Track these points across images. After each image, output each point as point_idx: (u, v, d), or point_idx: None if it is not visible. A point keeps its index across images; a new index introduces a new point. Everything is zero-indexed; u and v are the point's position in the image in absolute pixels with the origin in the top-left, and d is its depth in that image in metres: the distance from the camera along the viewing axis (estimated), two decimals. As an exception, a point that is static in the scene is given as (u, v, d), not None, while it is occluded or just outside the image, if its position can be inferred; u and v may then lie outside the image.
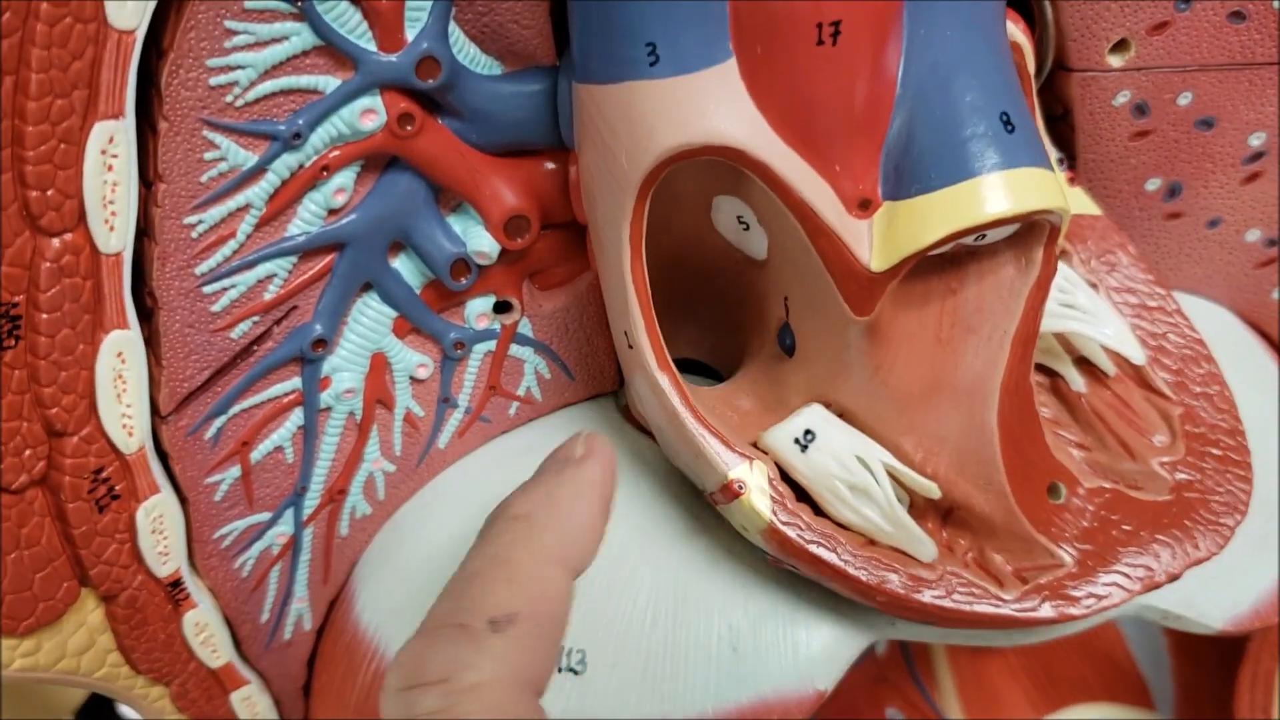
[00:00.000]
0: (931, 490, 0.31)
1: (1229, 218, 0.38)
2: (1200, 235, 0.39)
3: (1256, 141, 0.37)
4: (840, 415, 0.32)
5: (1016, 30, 0.32)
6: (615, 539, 0.34)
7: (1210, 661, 0.56)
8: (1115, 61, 0.35)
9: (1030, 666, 0.60)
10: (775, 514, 0.30)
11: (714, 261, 0.35)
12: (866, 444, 0.31)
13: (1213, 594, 0.35)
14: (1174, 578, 0.31)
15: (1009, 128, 0.27)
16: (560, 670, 0.32)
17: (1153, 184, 0.37)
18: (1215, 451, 0.33)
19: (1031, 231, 0.29)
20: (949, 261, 0.30)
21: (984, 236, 0.29)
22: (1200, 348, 0.34)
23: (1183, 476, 0.33)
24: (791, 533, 0.30)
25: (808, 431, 0.31)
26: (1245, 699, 0.52)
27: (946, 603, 0.31)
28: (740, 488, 0.30)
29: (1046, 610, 0.31)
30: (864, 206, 0.28)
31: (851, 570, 0.31)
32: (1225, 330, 0.40)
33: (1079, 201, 0.35)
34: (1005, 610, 0.31)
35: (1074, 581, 0.31)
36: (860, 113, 0.28)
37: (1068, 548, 0.31)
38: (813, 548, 0.30)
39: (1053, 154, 0.35)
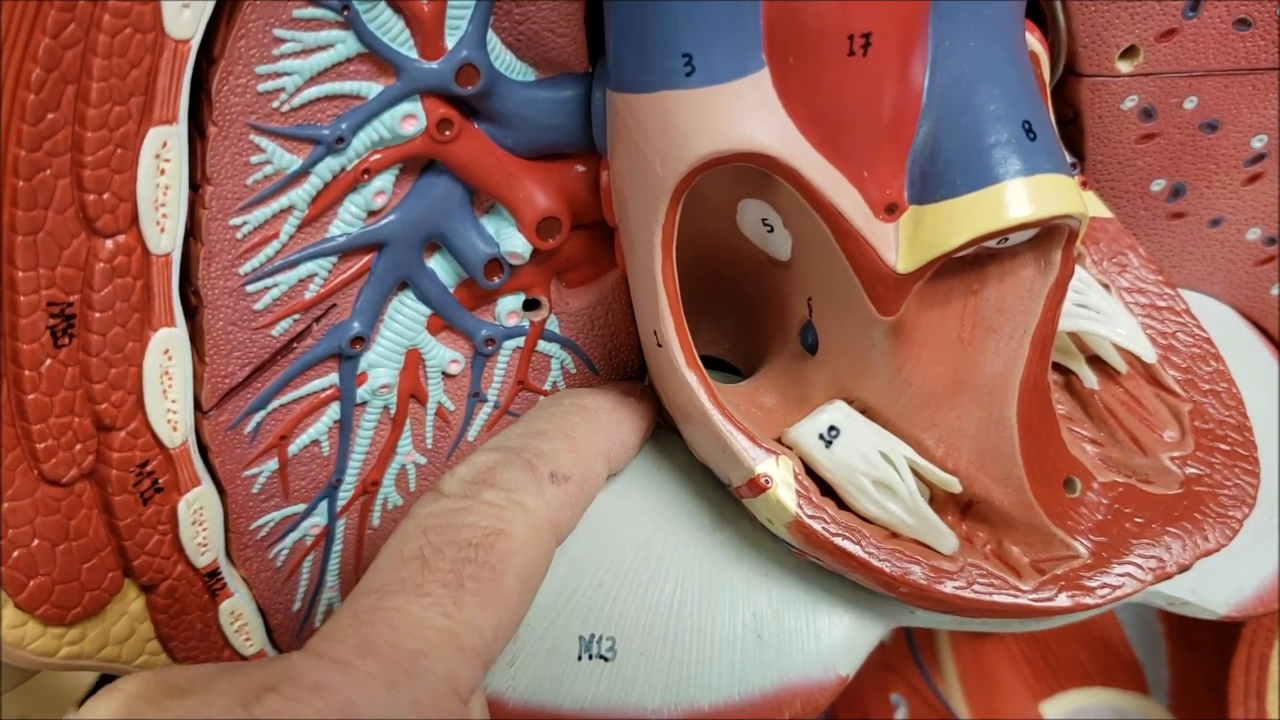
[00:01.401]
0: (953, 485, 0.32)
1: (1230, 217, 0.40)
2: (1203, 234, 0.40)
3: (1258, 144, 0.38)
4: (863, 412, 0.33)
5: (1033, 39, 0.33)
6: (642, 530, 0.35)
7: (1205, 646, 0.57)
8: (1124, 67, 0.36)
9: (1029, 653, 0.62)
10: (801, 507, 0.32)
11: (737, 262, 0.36)
12: (890, 440, 0.32)
13: (1216, 581, 0.36)
14: (1184, 568, 0.33)
15: (1031, 136, 0.28)
16: (591, 657, 0.34)
17: (1157, 185, 0.38)
18: (1224, 446, 0.34)
19: (1051, 235, 0.30)
20: (971, 264, 0.31)
21: (1006, 240, 0.30)
22: (1209, 346, 0.35)
23: (1192, 471, 0.34)
24: (817, 525, 0.32)
25: (832, 428, 0.32)
26: (1239, 683, 0.54)
27: (967, 593, 0.32)
28: (767, 482, 0.31)
29: (1063, 600, 0.32)
30: (890, 210, 0.29)
31: (876, 562, 0.32)
32: (1225, 326, 0.41)
33: (1092, 205, 0.36)
34: (1023, 600, 0.32)
35: (1089, 572, 0.32)
36: (888, 121, 0.29)
37: (1083, 540, 0.33)
38: (838, 540, 0.32)
39: (1066, 158, 0.36)
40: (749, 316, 0.37)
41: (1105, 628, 0.61)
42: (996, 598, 0.32)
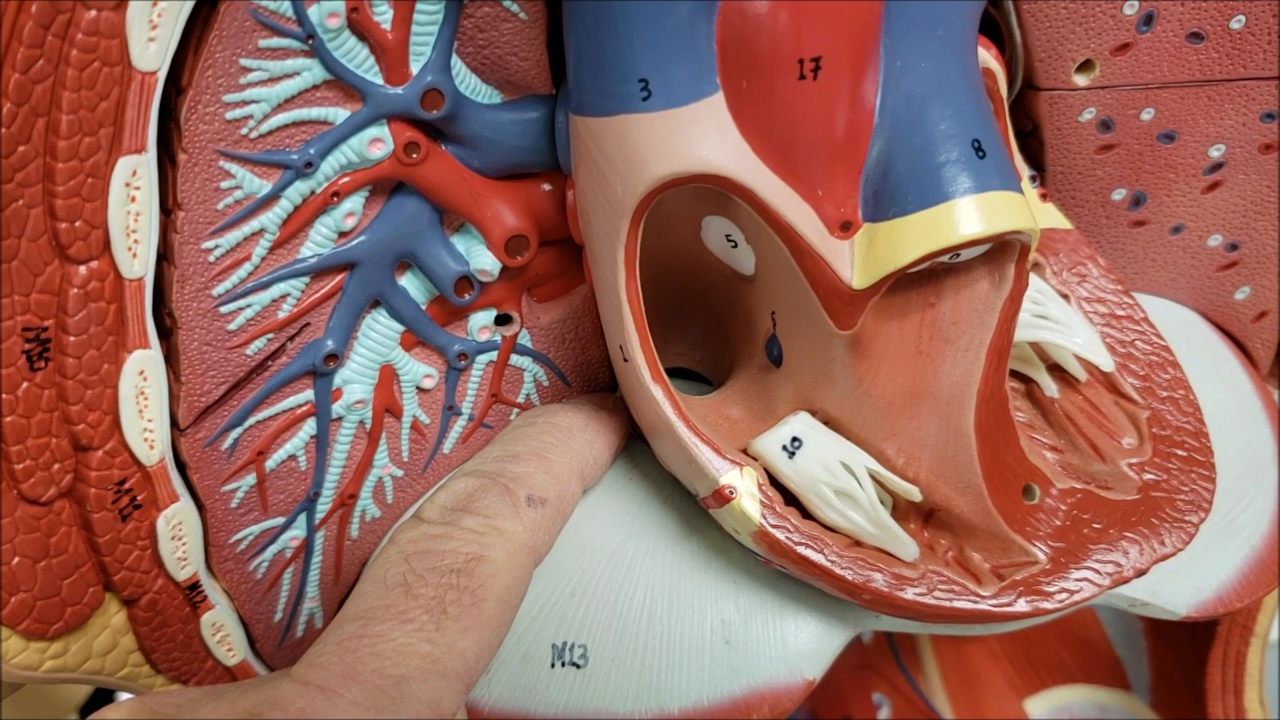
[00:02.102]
0: (913, 493, 0.33)
1: (1191, 224, 0.40)
2: (1164, 241, 0.41)
3: (1216, 153, 0.39)
4: (826, 423, 0.34)
5: (988, 56, 0.34)
6: (612, 540, 0.36)
7: (1183, 644, 0.58)
8: (1081, 80, 0.37)
9: (1011, 651, 0.62)
10: (765, 517, 0.32)
11: (704, 276, 0.36)
12: (851, 450, 0.33)
13: (1177, 582, 0.37)
14: (1141, 573, 0.33)
15: (980, 154, 0.29)
16: (563, 664, 0.34)
17: (1118, 194, 0.39)
18: (1180, 453, 0.35)
19: (1003, 250, 0.31)
20: (927, 277, 0.32)
21: (958, 255, 0.30)
22: (1166, 354, 0.36)
23: (1150, 477, 0.35)
24: (780, 535, 0.32)
25: (795, 439, 0.33)
26: (1216, 680, 0.55)
27: (928, 599, 0.32)
28: (731, 493, 0.32)
29: (1021, 605, 0.33)
30: (845, 228, 0.30)
31: (838, 570, 0.32)
32: (1189, 330, 0.42)
33: (1051, 217, 0.37)
34: (983, 605, 0.33)
35: (1047, 577, 0.33)
36: (840, 141, 0.29)
37: (1042, 545, 0.33)
38: (801, 549, 0.32)
39: (1025, 171, 0.37)
40: (717, 329, 0.38)
41: (1086, 626, 0.62)
42: (957, 603, 0.32)
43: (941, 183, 0.29)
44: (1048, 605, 0.33)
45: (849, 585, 0.32)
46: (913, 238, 0.29)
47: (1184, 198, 0.40)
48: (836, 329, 0.31)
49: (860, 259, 0.30)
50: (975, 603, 0.33)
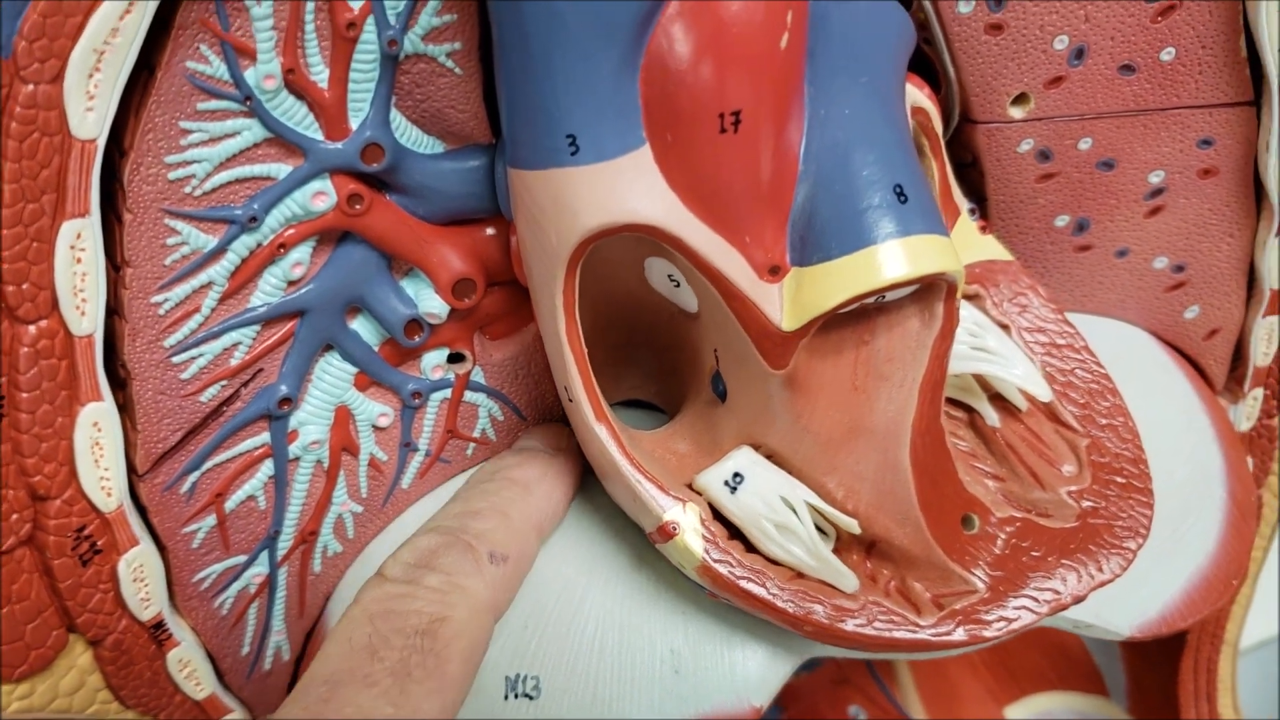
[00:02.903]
0: (852, 526, 0.34)
1: (1136, 248, 0.41)
2: (1110, 264, 0.41)
3: (1156, 179, 0.39)
4: (769, 457, 0.35)
5: (921, 95, 0.35)
6: (565, 573, 0.36)
7: (1155, 652, 0.59)
8: (1017, 113, 0.37)
9: (989, 660, 0.63)
10: (707, 552, 0.33)
11: (652, 313, 0.37)
12: (791, 485, 0.34)
13: (1119, 603, 0.37)
14: (1079, 599, 0.34)
15: (902, 199, 0.30)
16: (516, 695, 0.35)
17: (1061, 220, 0.40)
18: (1119, 479, 0.36)
19: (931, 290, 0.32)
20: (860, 316, 0.32)
21: (884, 297, 0.31)
22: (1106, 382, 0.37)
23: (1088, 504, 0.35)
24: (723, 569, 0.33)
25: (736, 474, 0.34)
26: (1189, 687, 0.55)
27: (868, 630, 0.33)
28: (674, 529, 0.33)
29: (960, 634, 0.33)
30: (774, 272, 0.31)
31: (779, 603, 0.33)
32: (1139, 350, 0.43)
33: (991, 248, 0.38)
34: (922, 635, 0.33)
35: (986, 606, 0.34)
36: (766, 189, 0.30)
37: (981, 575, 0.34)
38: (743, 583, 0.33)
39: (964, 205, 0.38)
40: (668, 363, 0.39)
41: (1063, 635, 0.63)
42: (896, 634, 0.33)
43: (864, 228, 0.30)
44: (986, 634, 0.33)
45: (791, 618, 0.33)
46: (837, 282, 0.30)
47: (1127, 222, 0.40)
48: (770, 369, 0.32)
49: (789, 302, 0.31)
50: (914, 632, 0.33)
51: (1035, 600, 0.34)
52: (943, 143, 0.36)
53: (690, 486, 0.35)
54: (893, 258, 0.30)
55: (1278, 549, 0.56)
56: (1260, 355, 0.44)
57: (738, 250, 0.31)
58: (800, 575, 0.34)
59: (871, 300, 0.31)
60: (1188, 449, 0.41)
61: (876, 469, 0.33)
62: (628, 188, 0.30)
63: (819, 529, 0.35)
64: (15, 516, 0.31)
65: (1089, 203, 0.40)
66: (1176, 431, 0.41)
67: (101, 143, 0.28)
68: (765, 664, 0.36)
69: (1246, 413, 0.46)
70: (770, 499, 0.33)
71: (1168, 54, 0.37)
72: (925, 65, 0.37)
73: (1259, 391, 0.45)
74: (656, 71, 0.29)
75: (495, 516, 0.34)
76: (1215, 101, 0.38)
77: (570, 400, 0.34)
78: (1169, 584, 0.38)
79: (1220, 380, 0.45)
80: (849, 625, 0.33)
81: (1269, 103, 0.37)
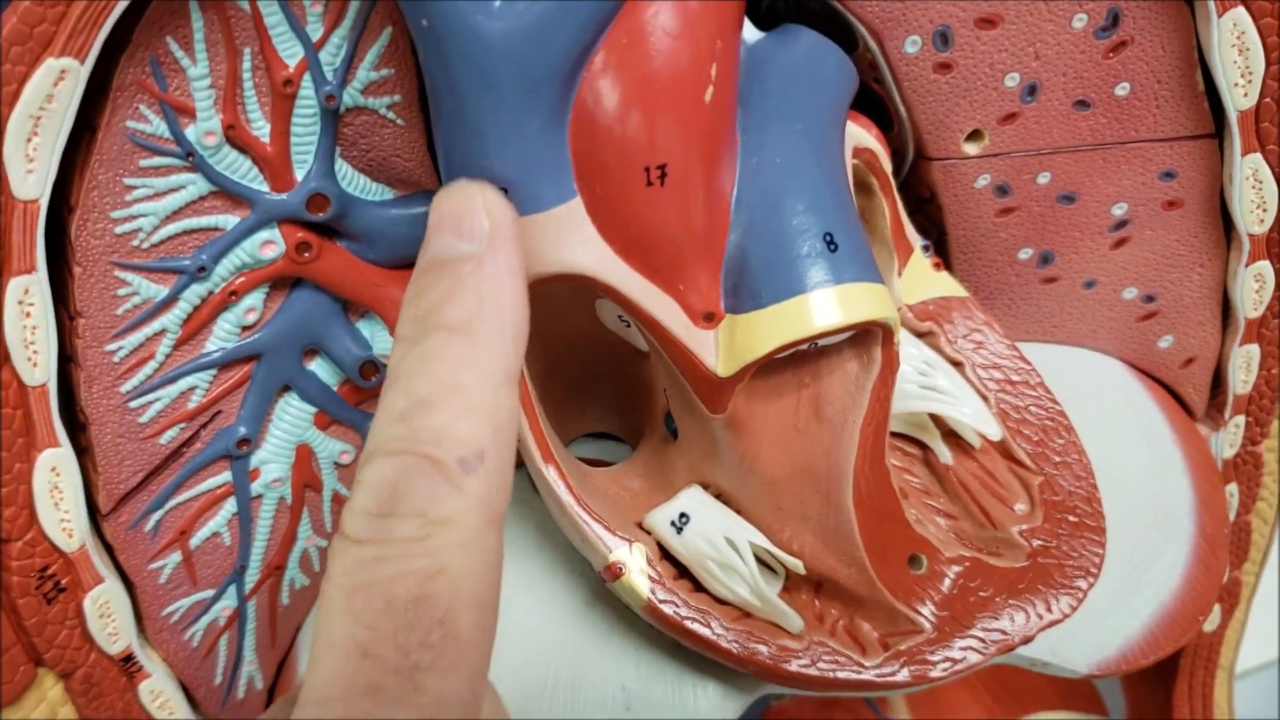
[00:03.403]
0: (797, 567, 0.34)
1: (1103, 279, 0.41)
2: (1078, 295, 0.41)
3: (1119, 211, 0.39)
4: (719, 496, 0.35)
5: (867, 135, 0.35)
6: (520, 609, 0.37)
7: (1150, 674, 0.58)
8: (971, 149, 0.37)
9: (988, 680, 0.63)
10: (653, 592, 0.34)
11: (609, 349, 0.37)
12: (736, 525, 0.34)
13: (1077, 641, 0.37)
14: (1028, 639, 0.34)
15: (832, 247, 0.30)
16: None
17: (1025, 253, 0.40)
18: (1071, 518, 0.36)
19: (868, 335, 0.32)
20: (801, 359, 0.33)
21: (816, 344, 0.31)
22: (1061, 419, 0.37)
23: (1039, 543, 0.35)
24: (668, 609, 0.34)
25: (683, 514, 0.34)
26: (1184, 711, 0.55)
27: (812, 671, 0.34)
28: (621, 569, 0.34)
29: (904, 675, 0.33)
30: (709, 319, 0.31)
31: (724, 644, 0.34)
32: (1109, 381, 0.42)
33: (945, 285, 0.38)
34: (866, 676, 0.34)
35: (931, 647, 0.34)
36: (698, 238, 0.30)
37: (928, 614, 0.34)
38: (688, 623, 0.34)
39: (918, 241, 0.38)
40: (627, 397, 0.39)
41: (1061, 653, 0.62)
42: (840, 674, 0.33)
43: (793, 277, 0.30)
44: (931, 674, 0.33)
45: (735, 657, 0.34)
46: (769, 329, 0.30)
47: (1092, 254, 0.40)
48: (708, 413, 0.32)
49: (724, 348, 0.31)
50: (858, 673, 0.33)
51: (982, 641, 0.34)
52: (892, 181, 0.36)
53: (640, 525, 0.35)
54: (824, 306, 0.30)
55: (1278, 573, 0.56)
56: (1239, 383, 0.43)
57: (672, 297, 0.31)
58: (747, 615, 0.34)
59: (806, 346, 0.31)
60: (1154, 482, 0.40)
61: (820, 510, 0.33)
62: (561, 238, 0.30)
63: (769, 567, 0.35)
64: (-23, 559, 0.32)
65: (1052, 235, 0.39)
66: (1143, 464, 0.41)
67: (44, 202, 0.29)
68: (717, 702, 0.36)
69: (1229, 440, 0.45)
70: (714, 539, 0.34)
71: (1122, 89, 0.36)
72: (878, 103, 0.37)
73: (1240, 419, 0.45)
74: (583, 126, 0.29)
75: (450, 399, 0.26)
76: (1175, 135, 0.37)
77: (519, 441, 0.34)
78: (1129, 621, 0.38)
79: (1200, 408, 0.45)
80: (793, 665, 0.34)
81: (1229, 135, 0.37)
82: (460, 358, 0.26)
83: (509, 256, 0.27)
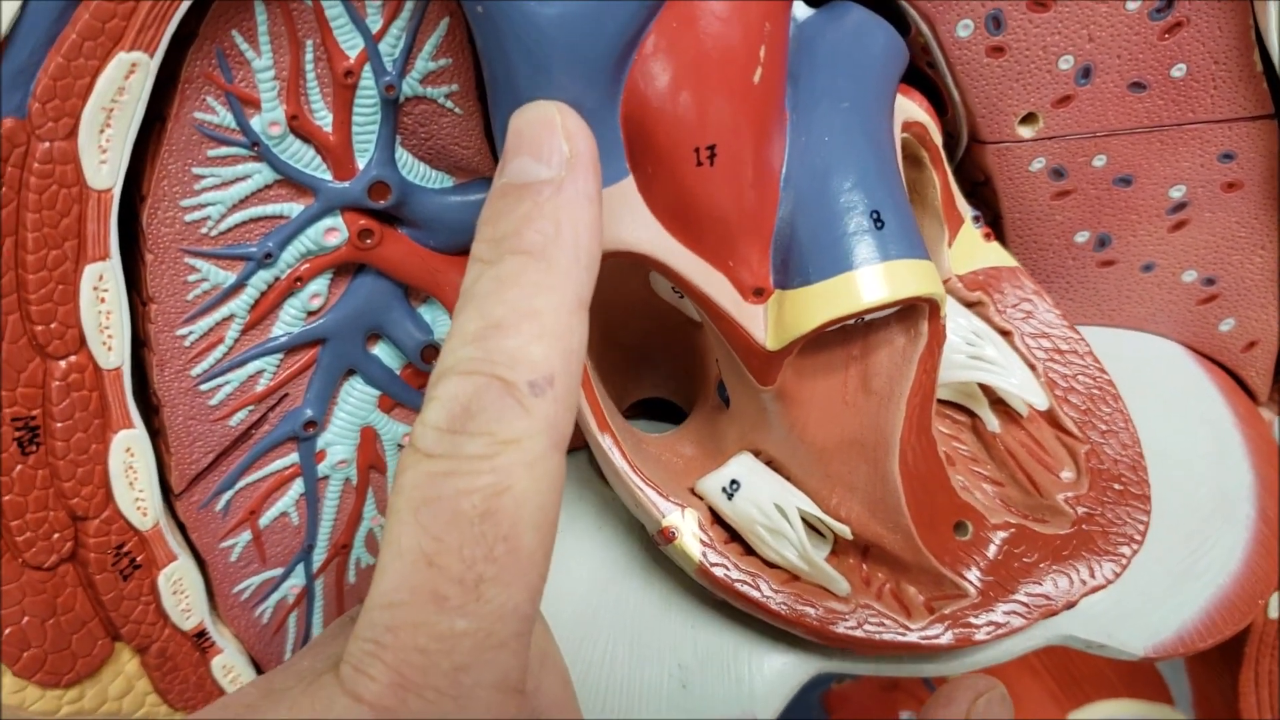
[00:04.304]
0: (845, 532, 0.35)
1: (1162, 262, 0.41)
2: (1136, 279, 0.41)
3: (1177, 193, 0.39)
4: (769, 463, 0.36)
5: (917, 109, 0.35)
6: (579, 588, 0.38)
7: (1217, 660, 0.57)
8: (1026, 133, 0.37)
9: (1050, 665, 0.63)
10: (705, 555, 0.34)
11: (665, 318, 0.38)
12: (785, 491, 0.35)
13: (1133, 623, 0.37)
14: (1071, 605, 0.34)
15: (879, 224, 0.30)
16: (527, 708, 0.37)
17: (1081, 236, 0.40)
18: (1117, 486, 0.36)
19: (914, 309, 0.32)
20: (849, 333, 0.33)
21: (862, 319, 0.32)
22: (1109, 388, 0.37)
23: (1084, 510, 0.35)
24: (719, 572, 0.34)
25: (734, 481, 0.35)
26: (1250, 699, 0.54)
27: (858, 633, 0.34)
28: (674, 533, 0.34)
29: (947, 637, 0.34)
30: (758, 294, 0.32)
31: (773, 605, 0.34)
32: (1169, 365, 0.42)
33: (995, 255, 0.38)
34: (910, 638, 0.34)
35: (975, 611, 0.34)
36: (747, 216, 0.31)
37: (973, 579, 0.35)
38: (738, 585, 0.34)
39: (968, 212, 0.38)
40: (683, 364, 0.40)
41: (1127, 641, 0.62)
42: (885, 636, 0.34)
43: (840, 254, 0.30)
44: (975, 637, 0.34)
45: (784, 618, 0.34)
46: (815, 306, 0.31)
47: (1150, 237, 0.40)
48: (758, 385, 0.33)
49: (773, 323, 0.32)
50: (903, 635, 0.34)
51: (1026, 605, 0.34)
52: (943, 153, 0.36)
53: (692, 491, 0.36)
54: (870, 282, 0.30)
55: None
56: (1305, 366, 0.43)
57: (722, 273, 0.32)
58: (795, 578, 0.35)
59: (853, 321, 0.32)
60: (1214, 466, 0.40)
61: (867, 479, 0.34)
62: (615, 216, 0.31)
63: (818, 532, 0.36)
64: (56, 535, 0.34)
65: (1109, 218, 0.39)
66: (1203, 448, 0.40)
67: (117, 192, 0.30)
68: (774, 677, 0.36)
69: (1293, 423, 0.45)
70: (764, 505, 0.34)
71: (1179, 70, 0.36)
72: (931, 87, 0.37)
73: (1306, 402, 0.44)
74: (635, 109, 0.30)
75: (524, 323, 0.26)
76: (1233, 116, 0.37)
77: (578, 414, 0.35)
78: (1187, 604, 0.38)
79: (1264, 392, 0.44)
80: (840, 627, 0.34)
81: (1290, 115, 0.37)
82: (536, 282, 0.26)
83: (587, 182, 0.27)
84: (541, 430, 0.26)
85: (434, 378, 0.26)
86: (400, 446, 0.39)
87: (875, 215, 0.30)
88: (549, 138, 0.28)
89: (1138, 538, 0.35)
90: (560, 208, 0.27)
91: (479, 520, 0.25)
